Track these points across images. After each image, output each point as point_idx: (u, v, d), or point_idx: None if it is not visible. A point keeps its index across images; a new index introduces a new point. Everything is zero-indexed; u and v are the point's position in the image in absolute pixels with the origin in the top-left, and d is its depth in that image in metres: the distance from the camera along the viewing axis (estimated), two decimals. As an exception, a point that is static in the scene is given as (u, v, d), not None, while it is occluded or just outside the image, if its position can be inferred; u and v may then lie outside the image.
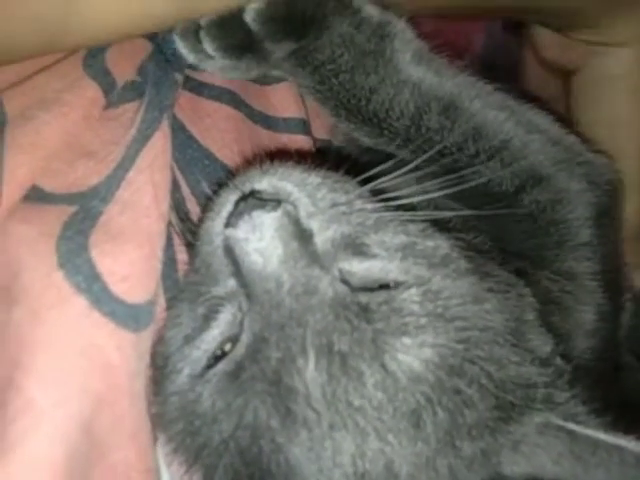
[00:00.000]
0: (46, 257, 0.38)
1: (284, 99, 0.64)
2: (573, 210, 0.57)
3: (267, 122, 0.63)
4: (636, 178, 0.65)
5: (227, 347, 0.44)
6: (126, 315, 0.40)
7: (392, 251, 0.45)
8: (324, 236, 0.44)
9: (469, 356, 0.42)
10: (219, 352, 0.45)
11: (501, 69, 0.80)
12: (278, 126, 0.63)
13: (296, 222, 0.44)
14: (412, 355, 0.41)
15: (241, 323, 0.44)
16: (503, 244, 0.55)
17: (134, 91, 0.51)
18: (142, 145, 0.48)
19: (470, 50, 0.87)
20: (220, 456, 0.42)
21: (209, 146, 0.57)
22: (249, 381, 0.41)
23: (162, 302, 0.47)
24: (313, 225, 0.44)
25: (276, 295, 0.42)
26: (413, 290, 0.43)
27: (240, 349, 0.43)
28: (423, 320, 0.42)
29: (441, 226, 0.49)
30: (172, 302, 0.48)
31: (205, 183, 0.55)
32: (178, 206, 0.52)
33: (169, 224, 0.49)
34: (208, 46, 0.53)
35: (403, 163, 0.51)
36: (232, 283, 0.45)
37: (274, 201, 0.44)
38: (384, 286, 0.44)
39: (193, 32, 0.53)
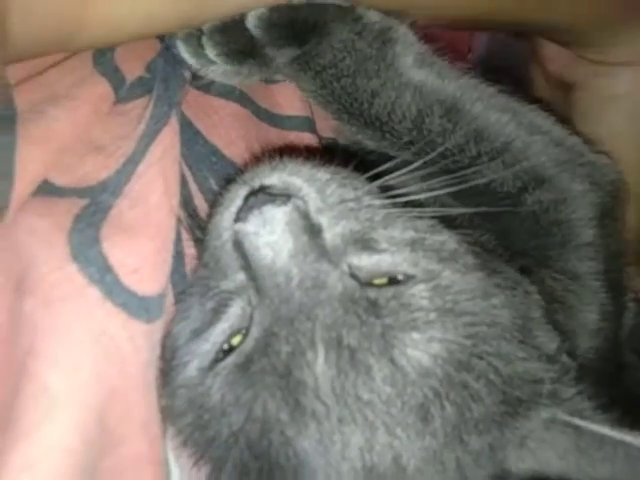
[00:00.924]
0: (59, 249, 0.39)
1: (290, 97, 0.64)
2: (576, 210, 0.57)
3: (273, 120, 0.63)
4: (634, 196, 0.66)
5: (236, 341, 0.45)
6: (138, 306, 0.40)
7: (401, 246, 0.45)
8: (333, 231, 0.45)
9: (477, 351, 0.43)
10: (227, 346, 0.45)
11: (504, 70, 0.80)
12: (284, 124, 0.64)
13: (306, 217, 0.44)
14: (421, 350, 0.41)
15: (250, 317, 0.44)
16: (507, 243, 0.56)
17: (143, 87, 0.52)
18: (151, 140, 0.48)
19: (473, 50, 0.88)
20: (229, 449, 0.42)
21: (216, 143, 0.57)
22: (258, 374, 0.42)
23: (170, 296, 0.47)
24: (322, 220, 0.45)
25: (285, 289, 0.42)
26: (422, 285, 0.43)
27: (249, 343, 0.43)
28: (432, 315, 0.42)
29: (448, 224, 0.49)
30: (181, 296, 0.48)
31: (212, 179, 0.55)
32: (186, 202, 0.52)
33: (177, 219, 0.49)
34: (210, 52, 0.53)
35: (408, 162, 0.52)
36: (241, 277, 0.45)
37: (284, 196, 0.44)
38: (393, 281, 0.44)
39: (195, 38, 0.54)
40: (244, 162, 0.56)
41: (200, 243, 0.50)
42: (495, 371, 0.43)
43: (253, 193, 0.45)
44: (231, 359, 0.43)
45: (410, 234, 0.46)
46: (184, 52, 0.55)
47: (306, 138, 0.63)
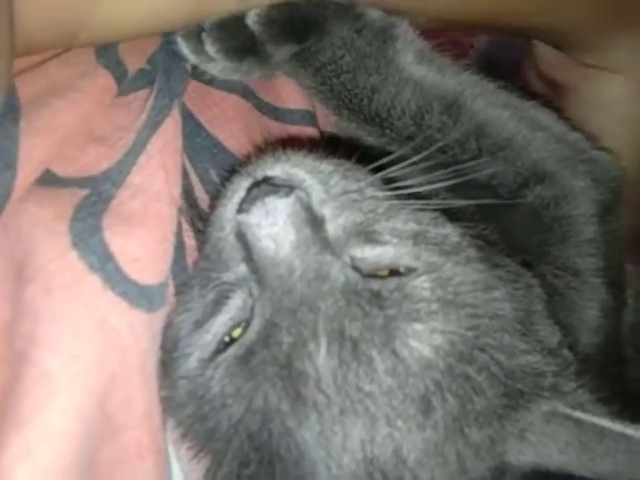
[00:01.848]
0: (60, 237, 0.39)
1: (291, 91, 0.64)
2: (577, 207, 0.57)
3: (275, 113, 0.63)
4: (628, 200, 0.66)
5: (236, 333, 0.45)
6: (139, 295, 0.40)
7: (403, 238, 0.45)
8: (336, 223, 0.45)
9: (479, 343, 0.43)
10: (228, 339, 0.45)
11: (505, 66, 0.80)
12: (285, 117, 0.63)
13: (308, 208, 0.44)
14: (423, 341, 0.41)
15: (252, 309, 0.44)
16: (508, 239, 0.56)
17: (144, 79, 0.52)
18: (153, 131, 0.48)
19: (474, 46, 0.88)
20: (229, 440, 0.42)
21: (217, 135, 0.57)
22: (260, 365, 0.42)
23: (171, 287, 0.47)
24: (325, 212, 0.45)
25: (288, 280, 0.42)
26: (424, 277, 0.43)
27: (251, 334, 0.43)
28: (434, 306, 0.42)
29: (450, 217, 0.49)
30: (182, 288, 0.48)
31: (213, 172, 0.55)
32: (187, 194, 0.52)
33: (178, 210, 0.49)
34: (210, 48, 0.53)
35: (410, 155, 0.52)
36: (243, 269, 0.45)
37: (287, 187, 0.44)
38: (394, 273, 0.44)
39: (195, 34, 0.53)
40: (245, 154, 0.56)
41: (201, 234, 0.50)
42: (497, 363, 0.43)
43: (256, 184, 0.45)
44: (232, 351, 0.43)
45: (413, 226, 0.46)
46: (184, 48, 0.55)
47: (307, 132, 0.63)
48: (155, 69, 0.52)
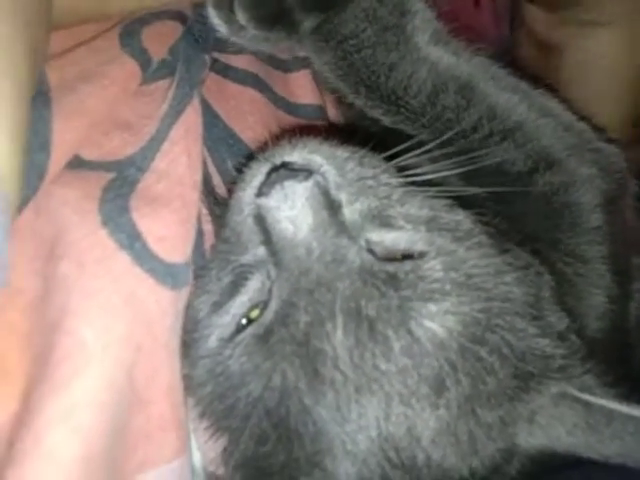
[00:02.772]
0: (90, 216, 0.40)
1: (304, 87, 0.66)
2: (584, 194, 0.57)
3: (289, 107, 0.65)
4: None
5: (254, 315, 0.46)
6: (165, 273, 0.41)
7: (417, 224, 0.46)
8: (352, 207, 0.46)
9: (491, 325, 0.44)
10: (245, 321, 0.46)
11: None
12: (298, 111, 0.65)
13: (326, 193, 0.45)
14: (437, 322, 0.42)
15: (269, 291, 0.45)
16: (519, 226, 0.56)
17: (166, 69, 0.53)
18: (175, 119, 0.49)
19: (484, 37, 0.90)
20: (247, 418, 0.43)
21: (233, 126, 0.58)
22: (278, 344, 0.43)
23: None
24: (342, 196, 0.46)
25: (306, 262, 0.43)
26: (438, 260, 0.44)
27: (269, 314, 0.44)
28: (447, 288, 0.43)
29: (462, 204, 0.50)
30: (201, 271, 0.49)
31: (229, 162, 0.57)
32: (205, 180, 0.53)
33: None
34: (241, 16, 0.54)
35: (423, 143, 0.53)
36: (261, 251, 0.46)
37: (305, 172, 0.45)
38: (408, 257, 0.45)
39: (226, 3, 0.54)
40: (261, 145, 0.57)
41: (219, 220, 0.52)
42: (508, 345, 0.44)
43: (275, 169, 0.46)
44: (250, 330, 0.44)
45: (426, 212, 0.47)
46: (214, 17, 0.56)
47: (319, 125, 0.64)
48: (176, 59, 0.54)
